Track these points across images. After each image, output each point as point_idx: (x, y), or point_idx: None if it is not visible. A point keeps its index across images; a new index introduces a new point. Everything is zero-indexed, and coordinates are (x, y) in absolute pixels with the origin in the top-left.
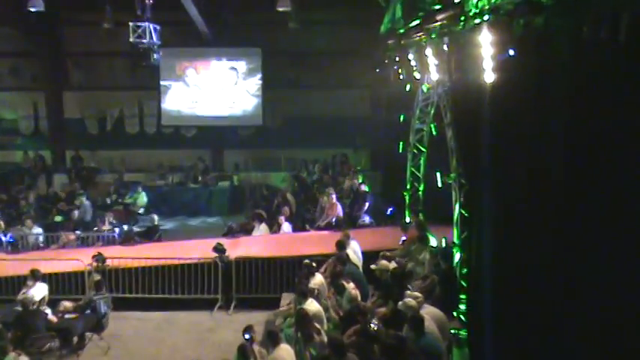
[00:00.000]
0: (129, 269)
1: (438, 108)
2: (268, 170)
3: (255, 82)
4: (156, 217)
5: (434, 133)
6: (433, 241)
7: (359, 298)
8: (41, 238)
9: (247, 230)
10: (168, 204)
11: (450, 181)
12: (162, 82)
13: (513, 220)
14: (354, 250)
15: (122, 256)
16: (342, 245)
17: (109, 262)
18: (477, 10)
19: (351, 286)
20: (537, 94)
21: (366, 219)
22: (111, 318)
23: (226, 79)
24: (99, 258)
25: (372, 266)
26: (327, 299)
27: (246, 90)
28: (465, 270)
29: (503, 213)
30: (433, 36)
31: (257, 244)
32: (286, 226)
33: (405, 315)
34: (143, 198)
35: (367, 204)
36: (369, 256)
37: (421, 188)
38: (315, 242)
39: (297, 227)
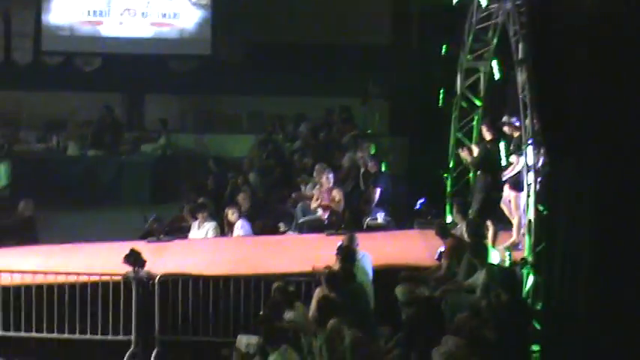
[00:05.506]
0: None
1: (504, 34)
2: (219, 131)
3: None
4: (29, 204)
5: (497, 76)
6: (495, 256)
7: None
8: None
9: (181, 230)
10: (48, 184)
11: (522, 156)
12: None
13: (630, 223)
14: (362, 267)
15: None
16: (350, 254)
17: None
18: None
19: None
20: None
21: (380, 216)
22: None
23: None
24: None
25: (398, 290)
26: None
27: None
28: (542, 305)
29: (612, 211)
30: None
31: (197, 253)
32: (240, 225)
33: None
34: (3, 173)
35: (379, 191)
36: (384, 277)
37: None
38: (295, 252)
39: (265, 227)
